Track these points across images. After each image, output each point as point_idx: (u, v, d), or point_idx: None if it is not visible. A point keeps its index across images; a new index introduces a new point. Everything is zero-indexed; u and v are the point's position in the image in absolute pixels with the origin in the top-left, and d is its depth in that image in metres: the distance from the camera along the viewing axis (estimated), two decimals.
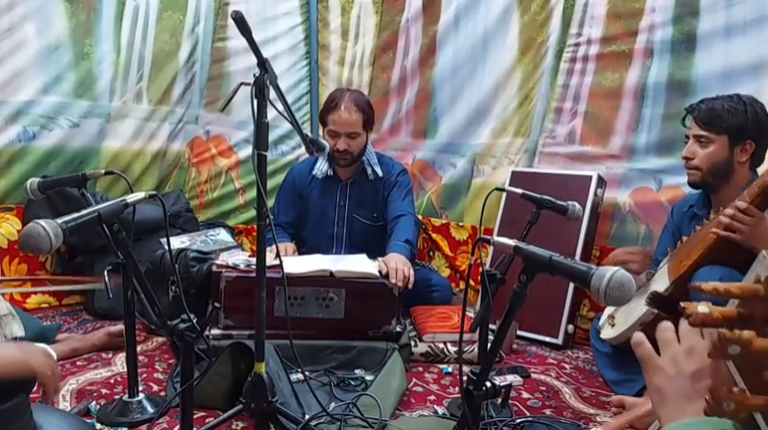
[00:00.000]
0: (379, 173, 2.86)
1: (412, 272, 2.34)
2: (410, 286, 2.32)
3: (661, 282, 1.96)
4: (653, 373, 0.75)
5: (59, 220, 1.36)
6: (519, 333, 2.66)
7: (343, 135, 2.71)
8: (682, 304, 0.65)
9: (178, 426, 1.55)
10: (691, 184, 2.04)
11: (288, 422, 1.65)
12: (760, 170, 1.95)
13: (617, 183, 2.72)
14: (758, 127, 1.89)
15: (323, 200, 2.90)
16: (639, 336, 0.78)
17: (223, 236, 2.86)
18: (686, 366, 0.71)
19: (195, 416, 1.62)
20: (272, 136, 3.01)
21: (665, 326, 0.77)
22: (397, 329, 2.28)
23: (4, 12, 2.67)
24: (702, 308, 0.63)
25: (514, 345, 2.58)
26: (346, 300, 2.23)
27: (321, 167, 2.85)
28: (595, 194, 2.66)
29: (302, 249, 2.88)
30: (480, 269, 1.88)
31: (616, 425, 1.77)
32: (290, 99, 3.39)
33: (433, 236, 3.38)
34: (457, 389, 2.12)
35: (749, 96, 1.93)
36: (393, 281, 2.26)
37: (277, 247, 1.72)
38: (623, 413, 1.85)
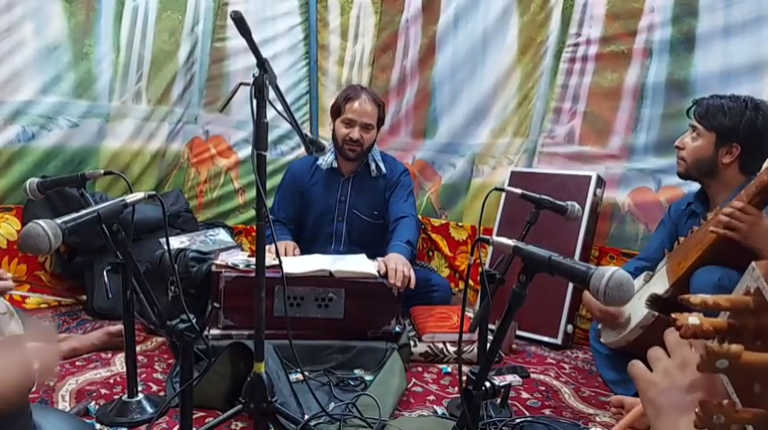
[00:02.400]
0: (383, 169, 2.88)
1: (412, 272, 2.34)
2: (411, 286, 2.32)
3: (660, 285, 1.96)
4: (646, 388, 0.74)
5: (59, 220, 1.36)
6: (518, 333, 2.66)
7: (358, 124, 2.74)
8: (673, 315, 0.64)
9: (177, 426, 1.55)
10: (678, 174, 2.06)
11: (287, 422, 1.65)
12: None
13: (616, 183, 2.73)
14: (749, 132, 1.88)
15: (324, 194, 2.90)
16: (632, 361, 0.79)
17: (222, 236, 2.86)
18: (679, 379, 0.71)
19: (194, 416, 1.62)
20: (271, 136, 2.99)
21: (653, 348, 0.78)
22: (397, 329, 2.28)
23: (2, 12, 2.66)
24: (693, 319, 0.63)
25: (514, 345, 2.58)
26: (346, 300, 2.23)
27: (327, 158, 2.85)
28: (594, 194, 2.66)
29: (301, 245, 2.88)
30: (480, 269, 1.88)
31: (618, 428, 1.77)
32: (289, 99, 3.39)
33: (433, 236, 3.38)
34: (456, 389, 2.12)
35: (760, 102, 1.91)
36: (392, 281, 2.26)
37: (276, 247, 1.71)
38: (624, 415, 1.84)
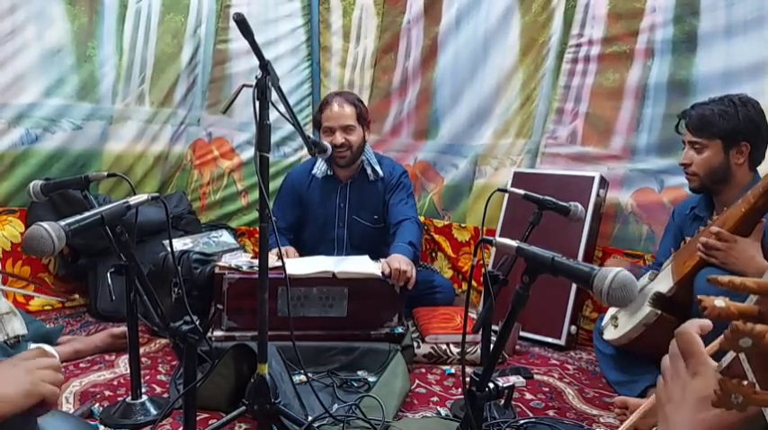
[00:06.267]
0: (380, 172, 2.85)
1: (414, 271, 2.34)
2: (410, 286, 2.32)
3: (664, 283, 1.95)
4: (660, 401, 0.73)
5: (62, 223, 1.36)
6: (522, 334, 2.66)
7: (338, 129, 2.71)
8: (698, 297, 0.64)
9: (181, 428, 1.55)
10: (692, 190, 2.04)
11: (291, 423, 1.65)
12: (760, 169, 1.95)
13: (619, 183, 2.72)
14: (751, 127, 1.88)
15: (323, 202, 2.88)
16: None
17: (225, 237, 2.86)
18: (690, 393, 0.69)
19: (198, 418, 1.63)
20: (273, 137, 3.01)
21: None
22: (400, 330, 2.28)
23: (6, 15, 2.68)
24: (719, 302, 0.63)
25: (517, 346, 2.58)
26: (349, 299, 2.23)
27: (320, 167, 2.84)
28: (598, 195, 2.66)
29: (303, 252, 2.87)
30: (483, 270, 1.88)
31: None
32: (291, 101, 3.39)
33: (436, 237, 3.38)
34: (460, 390, 2.12)
35: (742, 96, 1.92)
36: (394, 282, 2.25)
37: (279, 248, 1.71)
38: (628, 416, 1.84)
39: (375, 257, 2.54)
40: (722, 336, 0.60)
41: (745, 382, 0.61)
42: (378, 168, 2.85)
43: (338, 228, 2.88)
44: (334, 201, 2.87)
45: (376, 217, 2.88)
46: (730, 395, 0.61)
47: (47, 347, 2.14)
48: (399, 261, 2.34)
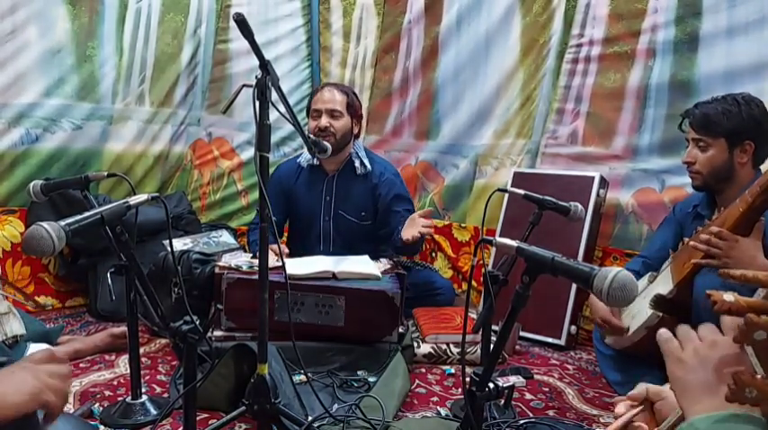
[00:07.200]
0: (368, 166, 2.80)
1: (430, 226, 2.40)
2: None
3: (665, 285, 1.95)
4: (676, 366, 0.75)
5: (62, 223, 1.36)
6: (522, 334, 2.66)
7: (324, 112, 2.69)
8: (707, 291, 0.65)
9: (181, 428, 1.55)
10: (695, 188, 2.04)
11: (291, 423, 1.65)
12: (763, 167, 1.95)
13: (620, 183, 2.72)
14: (755, 126, 1.88)
15: (309, 194, 2.85)
16: (666, 333, 0.79)
17: (225, 237, 2.86)
18: (709, 358, 0.71)
19: (198, 418, 1.63)
20: (274, 137, 3.01)
21: (682, 326, 0.79)
22: (400, 330, 2.27)
23: (6, 15, 2.67)
24: (728, 296, 0.63)
25: (517, 346, 2.58)
26: (346, 307, 2.20)
27: (306, 155, 2.82)
28: (598, 195, 2.65)
29: (291, 248, 2.84)
30: (483, 270, 1.87)
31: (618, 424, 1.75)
32: (291, 101, 3.39)
33: (436, 237, 3.37)
34: (460, 390, 2.12)
35: (745, 95, 1.92)
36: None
37: (280, 247, 1.71)
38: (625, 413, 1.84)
39: (363, 255, 2.52)
40: (737, 332, 0.60)
41: (759, 376, 0.62)
42: (366, 162, 2.81)
43: (324, 222, 2.86)
44: (320, 194, 2.84)
45: (363, 213, 2.84)
46: (744, 389, 0.61)
47: (59, 351, 2.15)
48: (415, 223, 2.40)
